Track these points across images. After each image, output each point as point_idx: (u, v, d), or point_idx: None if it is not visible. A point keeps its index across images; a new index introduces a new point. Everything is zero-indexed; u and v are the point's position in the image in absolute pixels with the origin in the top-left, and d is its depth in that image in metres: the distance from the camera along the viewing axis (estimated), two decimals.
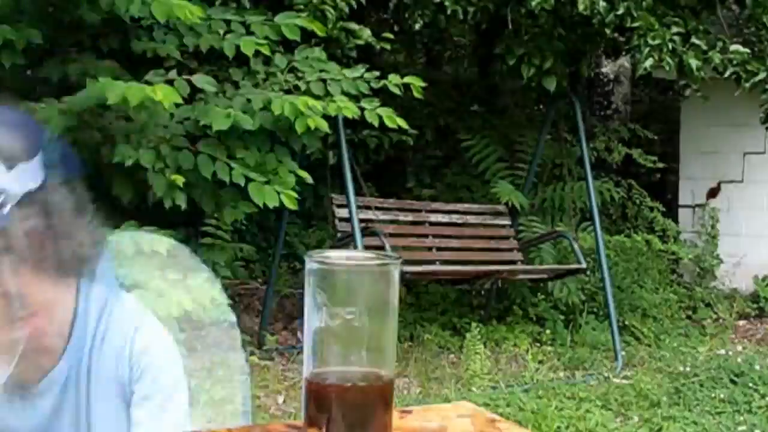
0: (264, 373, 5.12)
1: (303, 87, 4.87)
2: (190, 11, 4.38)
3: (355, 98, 4.86)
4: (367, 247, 5.22)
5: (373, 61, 5.63)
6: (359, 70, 5.01)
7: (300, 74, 4.97)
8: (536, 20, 5.98)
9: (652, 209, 8.06)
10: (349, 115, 4.70)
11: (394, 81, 4.98)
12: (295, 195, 4.61)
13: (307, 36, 5.09)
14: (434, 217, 6.16)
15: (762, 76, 5.58)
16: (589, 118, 8.37)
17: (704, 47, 5.56)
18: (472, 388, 5.10)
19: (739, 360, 5.63)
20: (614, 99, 9.18)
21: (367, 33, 5.53)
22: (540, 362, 5.72)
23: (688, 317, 7.17)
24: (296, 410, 4.45)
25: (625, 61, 8.64)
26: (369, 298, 1.07)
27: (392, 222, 5.93)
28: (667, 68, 5.55)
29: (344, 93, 4.85)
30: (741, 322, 7.24)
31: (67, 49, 4.87)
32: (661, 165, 8.39)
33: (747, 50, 5.65)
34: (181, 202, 4.58)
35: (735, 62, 5.58)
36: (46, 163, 1.30)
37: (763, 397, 5.09)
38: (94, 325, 1.42)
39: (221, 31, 4.89)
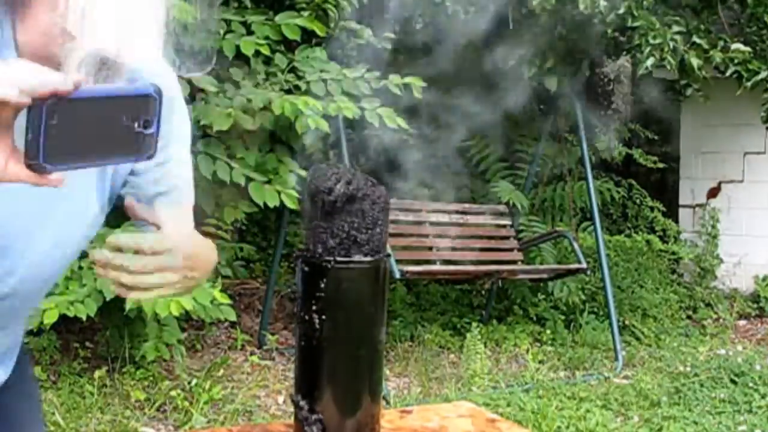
0: (264, 373, 5.12)
1: (303, 87, 4.87)
2: (188, 11, 4.37)
3: (356, 98, 4.86)
4: None
5: (373, 61, 5.62)
6: (360, 70, 5.01)
7: (300, 74, 4.97)
8: (537, 20, 5.98)
9: (652, 209, 8.06)
10: (350, 115, 4.71)
11: (394, 81, 4.99)
12: (296, 194, 4.62)
13: (308, 36, 5.10)
14: (434, 217, 6.16)
15: (763, 75, 5.58)
16: (589, 118, 8.36)
17: (705, 46, 5.56)
18: (472, 388, 5.10)
19: (739, 360, 5.62)
20: (614, 99, 9.18)
21: (368, 32, 5.53)
22: (540, 362, 5.72)
23: (689, 317, 7.17)
24: None
25: (625, 60, 8.64)
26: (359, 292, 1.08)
27: (392, 222, 5.93)
28: (669, 67, 5.55)
29: (344, 93, 4.85)
30: (741, 322, 7.24)
31: None
32: (661, 165, 8.39)
33: (748, 49, 5.65)
34: None
35: (736, 61, 5.58)
36: None
37: (763, 397, 5.09)
38: None
39: (221, 31, 4.89)
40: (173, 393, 4.47)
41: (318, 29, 4.95)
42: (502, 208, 6.45)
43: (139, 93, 0.95)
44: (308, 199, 1.11)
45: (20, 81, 0.87)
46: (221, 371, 4.96)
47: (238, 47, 4.74)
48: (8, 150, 0.89)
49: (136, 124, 0.93)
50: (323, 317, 1.08)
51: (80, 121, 0.90)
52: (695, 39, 5.57)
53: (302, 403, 1.09)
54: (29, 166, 0.89)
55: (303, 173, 4.72)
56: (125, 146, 0.93)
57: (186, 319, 5.11)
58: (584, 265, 5.99)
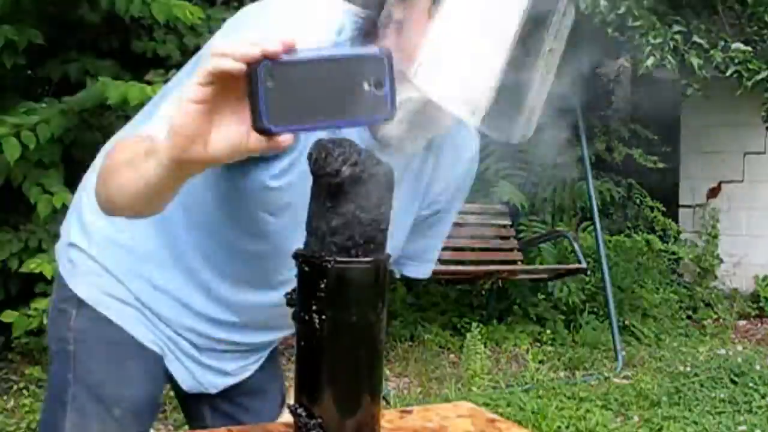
0: None
1: None
2: (190, 11, 4.39)
3: None
4: None
5: None
6: None
7: None
8: None
9: (652, 209, 8.06)
10: None
11: None
12: None
13: None
14: None
15: (763, 75, 5.58)
16: (589, 118, 8.36)
17: (706, 46, 5.56)
18: (472, 388, 5.10)
19: (739, 360, 5.63)
20: (614, 99, 9.17)
21: None
22: (540, 362, 5.72)
23: (689, 317, 7.17)
24: None
25: (625, 60, 8.63)
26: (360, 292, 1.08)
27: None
28: (669, 67, 5.55)
29: None
30: (741, 322, 7.24)
31: (68, 49, 4.87)
32: (661, 165, 8.39)
33: (749, 48, 5.65)
34: None
35: (737, 61, 5.58)
36: None
37: (763, 397, 5.09)
38: None
39: None
40: (173, 393, 4.47)
41: None
42: (502, 208, 6.45)
43: (364, 54, 0.94)
44: (311, 176, 1.10)
45: (231, 50, 0.92)
46: None
47: None
48: (248, 121, 0.94)
49: (365, 84, 0.92)
50: (323, 317, 1.08)
51: (301, 82, 0.90)
52: (695, 39, 5.56)
53: (299, 410, 1.09)
54: (257, 130, 0.92)
55: None
56: (356, 106, 0.92)
57: None
58: (584, 265, 5.99)
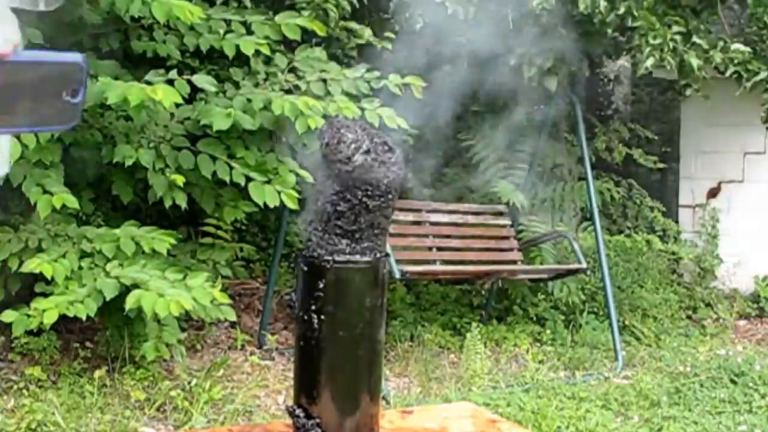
0: (264, 373, 5.11)
1: (303, 87, 4.87)
2: (190, 11, 4.39)
3: (356, 98, 4.86)
4: None
5: (373, 61, 5.63)
6: (359, 70, 5.01)
7: (300, 74, 4.97)
8: (537, 20, 5.98)
9: (652, 209, 8.06)
10: (350, 116, 4.71)
11: (394, 81, 4.99)
12: (296, 194, 4.62)
13: (308, 35, 5.10)
14: (434, 217, 6.16)
15: (763, 75, 5.58)
16: (589, 118, 8.36)
17: (705, 46, 5.55)
18: (473, 388, 5.10)
19: (739, 360, 5.62)
20: (614, 99, 9.18)
21: (368, 32, 5.53)
22: (540, 362, 5.72)
23: (689, 317, 7.17)
24: None
25: (625, 61, 8.63)
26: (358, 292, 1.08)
27: (392, 222, 5.91)
28: (669, 67, 5.55)
29: (344, 93, 4.85)
30: (741, 322, 7.24)
31: (68, 49, 4.87)
32: (661, 165, 8.39)
33: (748, 49, 5.65)
34: (181, 201, 4.58)
35: (736, 61, 5.57)
36: None
37: (763, 397, 5.09)
38: None
39: (221, 31, 4.89)
40: (173, 393, 4.47)
41: (318, 29, 4.95)
42: (502, 208, 6.45)
43: (68, 61, 0.93)
44: (323, 160, 1.10)
45: None
46: (221, 371, 4.96)
47: (238, 47, 4.75)
48: None
49: (64, 93, 0.91)
50: (322, 317, 1.08)
51: (9, 84, 0.87)
52: (695, 39, 5.56)
53: (298, 411, 1.09)
54: None
55: (303, 173, 4.72)
56: (53, 113, 0.91)
57: (186, 319, 5.11)
58: (584, 265, 5.99)
